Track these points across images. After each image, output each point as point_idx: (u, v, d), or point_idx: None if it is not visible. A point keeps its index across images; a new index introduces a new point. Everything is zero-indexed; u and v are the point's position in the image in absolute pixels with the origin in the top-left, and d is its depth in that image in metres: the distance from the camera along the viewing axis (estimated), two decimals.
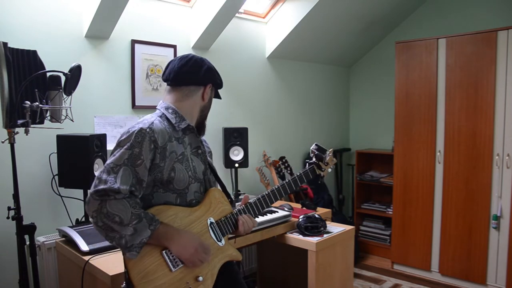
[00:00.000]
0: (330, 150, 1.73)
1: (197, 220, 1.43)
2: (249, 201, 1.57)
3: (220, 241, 1.47)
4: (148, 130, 1.33)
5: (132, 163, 1.30)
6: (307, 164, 1.71)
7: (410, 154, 3.58)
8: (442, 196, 3.41)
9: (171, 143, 1.39)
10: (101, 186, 1.26)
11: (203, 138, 1.61)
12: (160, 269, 1.33)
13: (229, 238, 1.58)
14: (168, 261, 1.34)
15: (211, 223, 1.46)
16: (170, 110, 1.47)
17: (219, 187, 1.61)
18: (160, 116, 1.44)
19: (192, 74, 1.48)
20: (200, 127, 1.55)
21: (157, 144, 1.34)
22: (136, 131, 1.32)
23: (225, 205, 1.53)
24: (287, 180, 1.64)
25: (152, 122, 1.37)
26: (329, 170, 1.72)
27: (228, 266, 1.54)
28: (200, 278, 1.38)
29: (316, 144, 1.76)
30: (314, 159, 1.70)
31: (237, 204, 1.63)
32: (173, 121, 1.44)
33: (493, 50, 3.10)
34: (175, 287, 1.34)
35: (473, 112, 3.21)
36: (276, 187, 1.62)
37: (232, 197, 1.56)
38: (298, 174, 1.66)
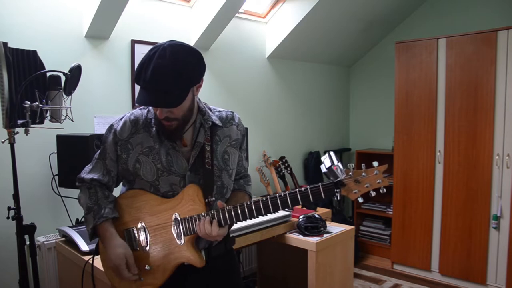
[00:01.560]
0: (378, 166, 1.23)
1: (164, 211, 1.40)
2: (226, 207, 1.33)
3: (180, 239, 1.37)
4: (115, 125, 1.45)
5: (103, 156, 1.46)
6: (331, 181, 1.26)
7: (410, 154, 3.58)
8: (442, 196, 3.41)
9: (138, 135, 1.41)
10: (79, 175, 1.50)
11: (233, 126, 1.50)
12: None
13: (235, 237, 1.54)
14: (127, 240, 1.44)
15: (175, 218, 1.38)
16: None
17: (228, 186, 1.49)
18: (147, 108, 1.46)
19: None
20: (165, 133, 1.37)
21: (117, 138, 1.42)
22: (107, 128, 1.47)
23: (196, 204, 1.36)
24: (282, 194, 1.27)
25: (123, 116, 1.45)
26: (359, 196, 1.23)
27: (228, 267, 1.53)
28: (147, 267, 1.39)
29: (329, 153, 1.34)
30: (340, 175, 1.28)
31: None
32: (145, 115, 1.43)
33: (493, 50, 3.10)
34: None
35: (473, 112, 3.21)
36: (264, 198, 1.29)
37: (212, 199, 1.38)
38: (303, 190, 1.26)
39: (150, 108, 1.44)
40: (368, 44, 4.53)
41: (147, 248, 1.41)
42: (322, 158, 1.34)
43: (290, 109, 4.08)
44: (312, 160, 4.19)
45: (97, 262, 1.80)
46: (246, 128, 3.24)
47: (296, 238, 2.41)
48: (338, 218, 3.75)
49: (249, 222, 2.34)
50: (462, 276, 3.32)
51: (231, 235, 1.60)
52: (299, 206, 2.97)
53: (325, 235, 2.39)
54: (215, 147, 1.45)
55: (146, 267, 1.39)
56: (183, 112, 1.34)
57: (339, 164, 1.30)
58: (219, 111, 1.52)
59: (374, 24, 4.10)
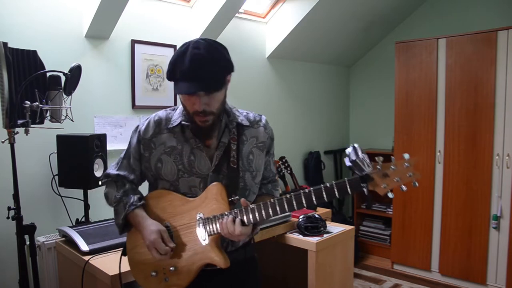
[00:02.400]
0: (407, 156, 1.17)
1: (188, 211, 1.38)
2: (250, 206, 1.31)
3: (204, 239, 1.35)
4: (140, 125, 1.47)
5: (127, 155, 1.49)
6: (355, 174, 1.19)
7: (410, 154, 3.57)
8: (442, 196, 3.41)
9: (161, 135, 1.43)
10: (105, 171, 1.54)
11: (261, 128, 1.51)
12: (145, 247, 1.40)
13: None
14: None
15: (200, 218, 1.36)
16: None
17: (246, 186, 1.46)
18: (175, 109, 1.48)
19: None
20: (201, 131, 1.38)
21: (141, 137, 1.45)
22: (135, 128, 1.49)
23: (220, 203, 1.34)
24: (306, 190, 1.23)
25: (149, 117, 1.47)
26: (389, 192, 1.16)
27: (246, 276, 1.49)
28: (172, 268, 1.37)
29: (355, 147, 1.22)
30: (366, 169, 1.18)
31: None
32: (170, 116, 1.45)
33: (493, 50, 3.10)
34: (154, 266, 1.41)
35: (473, 112, 3.21)
36: (288, 195, 1.26)
37: (236, 197, 1.34)
38: (329, 185, 1.21)
39: (176, 109, 1.46)
40: (368, 44, 4.53)
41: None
42: (347, 151, 1.23)
43: (290, 109, 4.08)
44: (312, 160, 4.19)
45: (98, 262, 1.80)
46: None
47: (296, 238, 2.41)
48: (338, 218, 3.75)
49: None
50: (462, 276, 3.32)
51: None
52: None
53: (325, 235, 2.39)
54: (241, 147, 1.44)
55: (170, 268, 1.38)
56: (218, 105, 1.35)
57: (365, 157, 1.18)
58: (247, 113, 1.53)
59: (374, 24, 4.10)
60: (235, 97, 3.50)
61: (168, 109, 1.49)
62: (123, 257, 1.50)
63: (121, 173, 1.47)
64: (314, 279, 2.28)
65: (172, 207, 1.40)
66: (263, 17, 3.69)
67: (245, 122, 1.46)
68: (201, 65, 1.27)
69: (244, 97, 3.58)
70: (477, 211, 3.23)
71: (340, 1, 3.51)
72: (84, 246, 1.91)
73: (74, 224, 2.34)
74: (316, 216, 2.50)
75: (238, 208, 1.31)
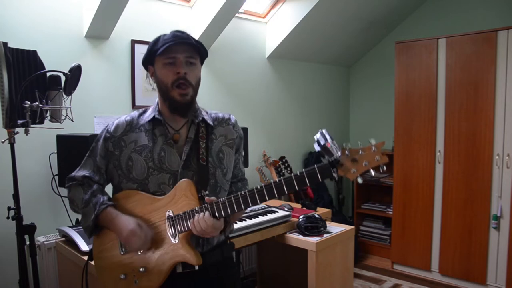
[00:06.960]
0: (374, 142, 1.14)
1: (157, 209, 1.35)
2: (220, 200, 1.28)
3: (175, 237, 1.32)
4: (109, 124, 1.47)
5: (93, 154, 1.46)
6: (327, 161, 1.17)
7: (410, 154, 3.58)
8: (442, 196, 3.41)
9: (132, 133, 1.42)
10: (69, 175, 1.49)
11: (230, 126, 1.49)
12: (113, 250, 1.40)
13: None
14: (119, 244, 1.39)
15: (169, 216, 1.33)
16: (155, 101, 1.48)
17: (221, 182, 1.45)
18: (146, 110, 1.50)
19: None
20: (180, 107, 1.37)
21: (110, 134, 1.43)
22: (104, 127, 1.50)
23: (190, 199, 1.31)
24: (277, 180, 1.21)
25: (121, 116, 1.49)
26: (359, 177, 1.13)
27: (223, 275, 1.47)
28: (141, 269, 1.34)
29: (323, 132, 1.21)
30: (335, 155, 1.15)
31: None
32: (142, 115, 1.47)
33: (493, 50, 3.10)
34: (122, 269, 1.38)
35: (473, 112, 3.21)
36: (259, 187, 1.23)
37: (205, 193, 1.32)
38: (299, 173, 1.18)
39: (149, 109, 1.48)
40: (368, 44, 4.53)
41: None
42: (315, 136, 1.21)
43: (290, 109, 4.08)
44: (312, 160, 4.19)
45: None
46: (246, 128, 3.25)
47: (296, 238, 2.41)
48: (338, 218, 3.75)
49: (249, 222, 2.34)
50: (462, 276, 3.32)
51: (230, 239, 1.56)
52: (299, 206, 2.97)
53: (325, 235, 2.39)
54: (211, 145, 1.44)
55: (140, 269, 1.34)
56: (196, 80, 1.38)
57: (334, 142, 1.17)
58: (216, 113, 1.52)
59: (374, 24, 4.10)
60: (235, 96, 3.50)
61: (141, 109, 1.50)
62: (90, 262, 1.48)
63: (87, 173, 1.44)
64: (314, 279, 2.28)
65: (141, 207, 1.37)
66: (263, 17, 3.69)
67: (210, 122, 1.46)
68: (186, 34, 1.38)
69: (244, 97, 3.58)
70: (477, 211, 3.23)
71: (340, 1, 3.51)
72: (84, 246, 1.92)
73: (74, 224, 2.34)
74: (316, 216, 2.50)
75: (211, 203, 1.28)
